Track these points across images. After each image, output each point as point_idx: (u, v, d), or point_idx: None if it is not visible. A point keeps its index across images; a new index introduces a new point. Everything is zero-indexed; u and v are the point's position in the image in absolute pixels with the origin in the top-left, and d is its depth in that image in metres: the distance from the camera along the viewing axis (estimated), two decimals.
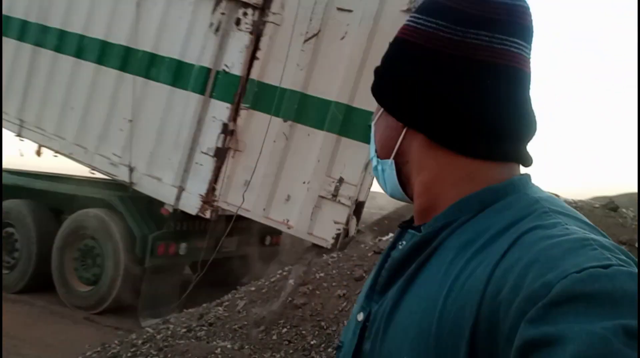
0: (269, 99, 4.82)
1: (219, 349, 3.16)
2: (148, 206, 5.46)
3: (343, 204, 4.37)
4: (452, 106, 0.64)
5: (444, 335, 0.55)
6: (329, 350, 2.90)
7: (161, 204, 5.25)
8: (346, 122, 4.48)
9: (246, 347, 3.23)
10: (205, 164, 5.05)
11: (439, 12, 0.66)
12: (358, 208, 4.37)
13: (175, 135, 5.22)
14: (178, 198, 5.14)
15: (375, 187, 4.82)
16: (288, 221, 4.64)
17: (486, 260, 0.55)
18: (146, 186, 5.30)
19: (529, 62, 0.66)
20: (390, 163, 0.72)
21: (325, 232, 4.43)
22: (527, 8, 0.66)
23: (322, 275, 3.62)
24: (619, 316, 0.42)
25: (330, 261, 3.83)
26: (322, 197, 4.49)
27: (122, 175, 5.37)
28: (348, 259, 3.73)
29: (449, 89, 0.64)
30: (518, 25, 0.65)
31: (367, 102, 4.45)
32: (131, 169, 5.30)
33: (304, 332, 3.13)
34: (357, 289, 3.29)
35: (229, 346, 3.24)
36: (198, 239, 5.49)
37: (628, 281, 0.45)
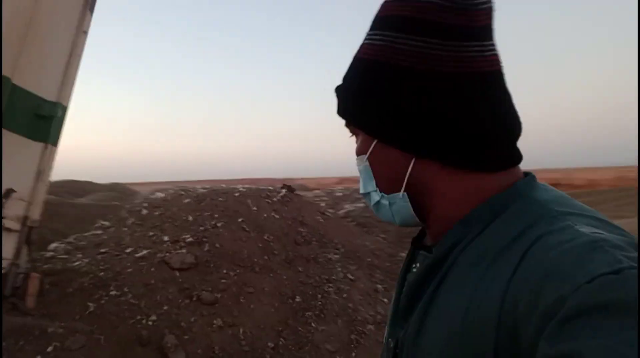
0: None
1: None
2: None
3: (10, 229, 2.95)
4: (463, 127, 0.62)
5: (467, 356, 0.54)
6: None
7: None
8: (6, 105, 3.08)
9: None
10: None
11: (424, 29, 0.62)
12: (30, 232, 3.05)
13: None
14: None
15: None
16: None
17: (499, 276, 0.54)
18: None
19: None
20: (402, 196, 0.69)
21: None
22: (493, 4, 0.65)
23: None
24: (634, 325, 0.41)
25: None
26: None
27: None
28: None
29: (456, 109, 0.62)
30: (492, 27, 0.65)
31: (32, 83, 3.19)
32: None
33: None
34: None
35: None
36: None
37: None
